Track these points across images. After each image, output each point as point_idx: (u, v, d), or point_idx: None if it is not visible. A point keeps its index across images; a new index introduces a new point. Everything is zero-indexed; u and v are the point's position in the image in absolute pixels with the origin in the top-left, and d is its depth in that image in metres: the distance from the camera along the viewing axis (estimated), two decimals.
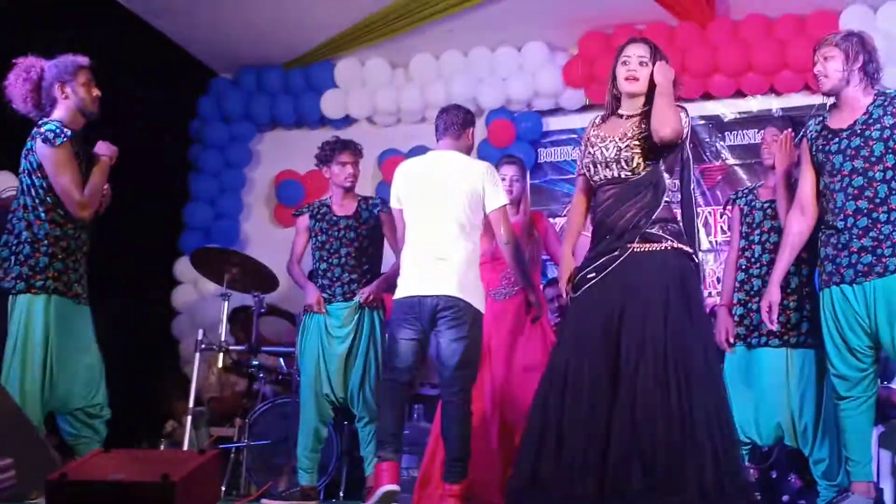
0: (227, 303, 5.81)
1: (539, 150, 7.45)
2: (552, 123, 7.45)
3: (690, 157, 3.86)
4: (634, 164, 3.71)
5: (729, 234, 5.05)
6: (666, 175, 3.75)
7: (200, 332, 5.71)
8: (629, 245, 3.66)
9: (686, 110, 3.77)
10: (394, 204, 4.68)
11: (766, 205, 4.59)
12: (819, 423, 4.32)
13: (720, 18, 6.83)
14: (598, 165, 3.78)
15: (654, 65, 3.75)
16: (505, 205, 4.54)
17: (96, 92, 4.38)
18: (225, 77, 8.07)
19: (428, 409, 6.17)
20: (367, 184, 7.17)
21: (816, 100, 6.69)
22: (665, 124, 3.61)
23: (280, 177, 7.87)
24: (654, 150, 3.69)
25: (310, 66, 7.75)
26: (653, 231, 3.65)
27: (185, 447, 5.47)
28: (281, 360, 6.28)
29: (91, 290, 4.44)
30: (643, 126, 3.72)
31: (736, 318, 4.59)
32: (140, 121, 6.68)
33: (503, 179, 5.15)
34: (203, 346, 5.62)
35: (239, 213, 7.99)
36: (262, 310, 5.95)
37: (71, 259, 4.29)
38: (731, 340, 4.57)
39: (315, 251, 5.32)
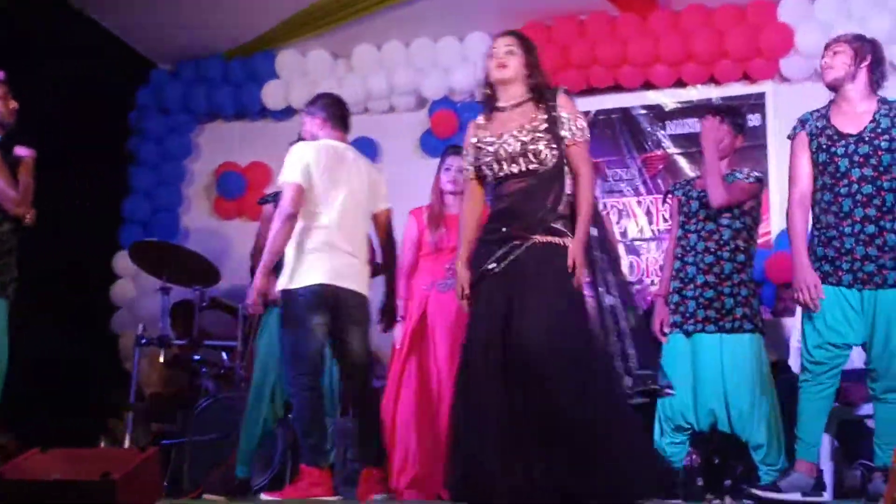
0: (167, 297, 5.73)
1: None
2: None
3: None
4: (542, 156, 3.70)
5: (669, 223, 5.09)
6: (566, 168, 3.76)
7: (140, 326, 5.63)
8: (532, 237, 3.66)
9: (581, 116, 3.81)
10: (296, 178, 4.43)
11: (701, 194, 4.65)
12: (754, 408, 4.40)
13: (661, 9, 6.88)
14: (503, 162, 3.74)
15: (524, 54, 3.80)
16: None
17: (13, 104, 4.54)
18: (164, 68, 7.96)
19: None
20: None
21: (755, 89, 6.85)
22: None
23: (220, 168, 7.77)
24: (557, 141, 3.71)
25: (250, 56, 7.67)
26: (556, 226, 3.67)
27: (126, 445, 5.40)
28: (223, 354, 6.21)
29: (28, 284, 4.38)
30: (543, 117, 3.75)
31: (672, 306, 4.66)
32: (78, 113, 6.56)
33: (448, 169, 5.14)
34: (143, 340, 5.54)
35: (179, 205, 7.88)
36: (204, 303, 5.88)
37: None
38: (666, 330, 4.66)
39: None
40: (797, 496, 3.95)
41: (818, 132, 4.15)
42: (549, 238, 3.65)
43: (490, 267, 3.67)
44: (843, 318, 4.02)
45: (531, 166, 3.70)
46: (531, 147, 3.69)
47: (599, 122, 7.06)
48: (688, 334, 4.57)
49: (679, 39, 6.77)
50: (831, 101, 4.20)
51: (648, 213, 6.93)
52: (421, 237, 5.17)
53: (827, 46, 4.22)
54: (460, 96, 7.35)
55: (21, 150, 4.56)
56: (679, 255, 4.69)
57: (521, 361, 3.48)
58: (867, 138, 4.05)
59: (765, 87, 6.80)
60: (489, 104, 3.87)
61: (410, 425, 4.96)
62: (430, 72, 7.35)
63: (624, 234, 6.87)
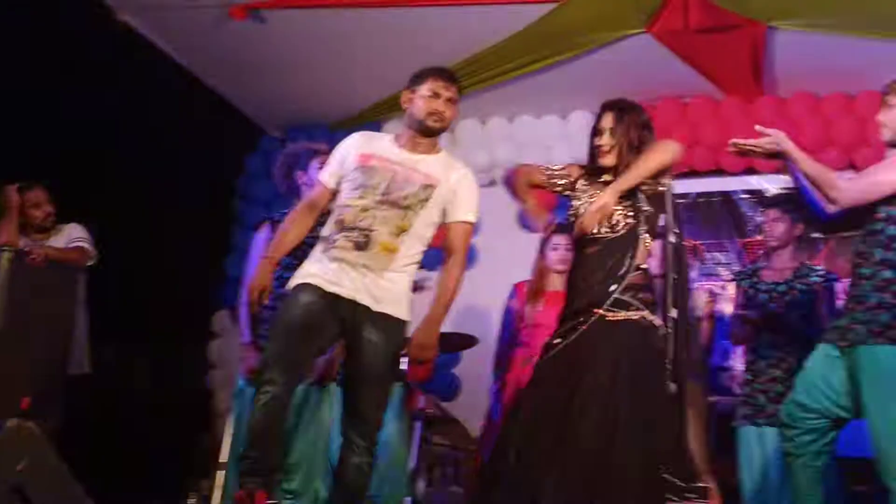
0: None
1: None
2: None
3: (672, 216, 3.66)
4: (614, 221, 3.59)
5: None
6: (646, 236, 3.61)
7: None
8: (596, 311, 3.51)
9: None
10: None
11: (770, 286, 4.61)
12: None
13: (767, 95, 6.84)
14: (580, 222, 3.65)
15: (622, 136, 3.68)
16: None
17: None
18: (274, 136, 8.18)
19: (459, 472, 6.13)
20: None
21: None
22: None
23: None
24: (635, 207, 3.60)
25: (356, 127, 7.81)
26: (624, 298, 3.51)
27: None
28: None
29: (128, 339, 4.52)
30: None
31: (742, 397, 4.67)
32: (189, 175, 6.79)
33: (556, 249, 5.17)
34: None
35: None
36: None
37: None
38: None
39: None
40: None
41: None
42: (618, 313, 3.52)
43: (555, 342, 3.60)
44: None
45: (603, 230, 3.62)
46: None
47: (701, 205, 7.02)
48: (758, 426, 4.55)
49: (784, 126, 6.69)
50: None
51: None
52: (522, 310, 5.20)
53: (883, 96, 3.88)
54: None
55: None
56: (751, 347, 4.64)
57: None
58: None
59: None
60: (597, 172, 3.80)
61: None
62: (532, 148, 7.41)
63: (721, 318, 6.77)
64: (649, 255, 3.64)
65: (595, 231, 3.60)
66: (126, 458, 5.68)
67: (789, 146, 3.68)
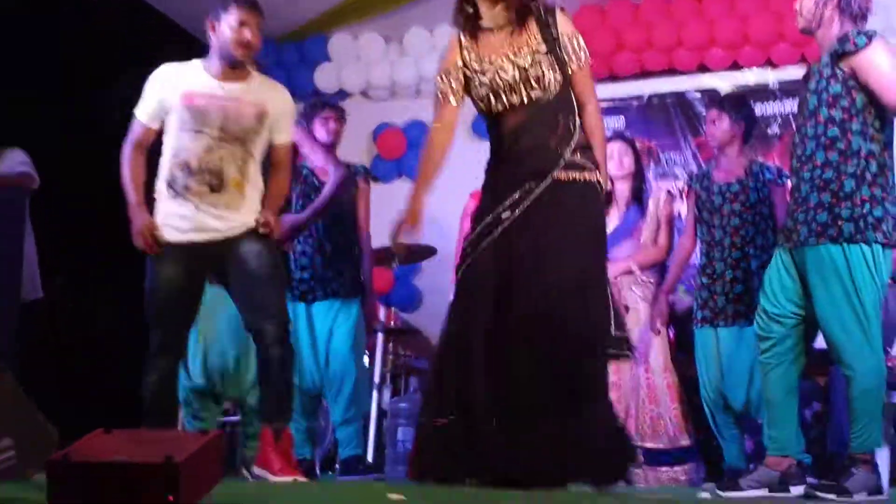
0: None
1: None
2: None
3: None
4: (546, 82, 3.25)
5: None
6: (572, 96, 3.32)
7: None
8: (550, 174, 3.22)
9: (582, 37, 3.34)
10: None
11: (723, 188, 4.62)
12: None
13: None
14: (502, 92, 3.26)
15: None
16: None
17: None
18: None
19: (423, 381, 6.18)
20: (363, 157, 7.13)
21: (776, 75, 6.72)
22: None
23: None
24: (561, 64, 3.28)
25: (303, 40, 7.69)
26: (576, 159, 3.25)
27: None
28: None
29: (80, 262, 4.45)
30: (535, 36, 3.29)
31: (699, 301, 4.69)
32: (131, 98, 6.62)
33: None
34: None
35: None
36: None
37: None
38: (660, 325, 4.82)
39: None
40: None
41: None
42: (572, 174, 3.24)
43: (503, 215, 3.23)
44: None
45: (534, 94, 3.26)
46: (532, 72, 3.25)
47: (654, 106, 7.00)
48: (715, 326, 4.61)
49: (733, 22, 6.67)
50: None
51: None
52: None
53: None
54: None
55: None
56: (704, 251, 4.67)
57: (534, 309, 3.14)
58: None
59: None
60: (470, 22, 3.35)
61: None
62: None
63: (678, 216, 6.80)
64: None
65: (524, 98, 3.25)
66: (87, 384, 5.64)
67: None
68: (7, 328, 4.44)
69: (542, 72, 3.25)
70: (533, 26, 3.30)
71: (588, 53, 3.35)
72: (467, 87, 3.37)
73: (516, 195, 3.23)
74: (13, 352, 4.38)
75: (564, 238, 3.20)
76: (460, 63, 3.36)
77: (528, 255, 3.19)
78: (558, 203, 3.22)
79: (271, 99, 3.89)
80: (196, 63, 3.86)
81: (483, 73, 3.30)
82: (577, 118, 3.31)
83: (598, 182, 3.29)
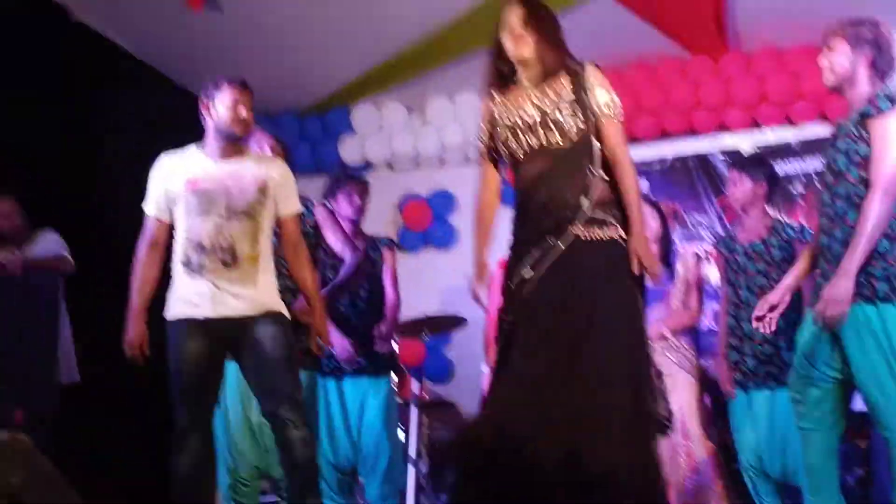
0: None
1: None
2: None
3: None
4: (566, 127, 3.23)
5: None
6: (597, 144, 3.25)
7: None
8: (570, 229, 3.16)
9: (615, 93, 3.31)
10: None
11: (747, 248, 4.61)
12: None
13: (733, 51, 6.84)
14: (520, 132, 3.29)
15: (536, 28, 3.33)
16: None
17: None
18: None
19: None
20: (389, 229, 7.18)
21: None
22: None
23: None
24: (584, 111, 3.24)
25: (326, 112, 7.79)
26: (597, 215, 3.19)
27: None
28: None
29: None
30: (564, 86, 3.29)
31: (730, 364, 4.65)
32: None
33: None
34: None
35: None
36: None
37: None
38: (730, 388, 4.66)
39: None
40: None
41: None
42: (594, 231, 3.18)
43: (525, 275, 3.20)
44: None
45: (553, 139, 3.25)
46: (552, 117, 3.25)
47: (676, 168, 7.02)
48: (747, 390, 4.57)
49: (752, 81, 6.71)
50: None
51: None
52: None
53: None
54: None
55: None
56: (732, 313, 4.65)
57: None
58: None
59: None
60: (505, 80, 3.42)
61: None
62: None
63: (706, 280, 6.79)
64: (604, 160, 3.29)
65: (543, 142, 3.27)
66: (119, 465, 5.63)
67: None
68: (43, 411, 4.46)
69: (563, 117, 3.24)
70: (564, 77, 3.32)
71: (621, 108, 3.32)
72: (492, 133, 3.43)
73: (537, 253, 3.20)
74: (49, 434, 4.39)
75: (593, 311, 3.12)
76: (489, 117, 3.43)
77: (553, 328, 3.14)
78: (581, 268, 3.16)
79: (270, 170, 3.98)
80: (193, 149, 3.96)
81: (507, 118, 3.35)
82: (601, 171, 3.26)
83: (621, 238, 3.22)
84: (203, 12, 6.17)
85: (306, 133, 7.84)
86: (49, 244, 5.08)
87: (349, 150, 7.68)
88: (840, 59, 3.65)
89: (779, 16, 6.35)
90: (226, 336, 3.83)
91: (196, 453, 3.79)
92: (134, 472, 5.62)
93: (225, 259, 3.81)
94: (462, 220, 7.55)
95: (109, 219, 5.72)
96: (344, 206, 5.20)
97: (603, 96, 3.27)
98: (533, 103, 3.29)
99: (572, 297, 3.14)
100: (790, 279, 3.90)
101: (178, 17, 6.25)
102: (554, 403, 3.04)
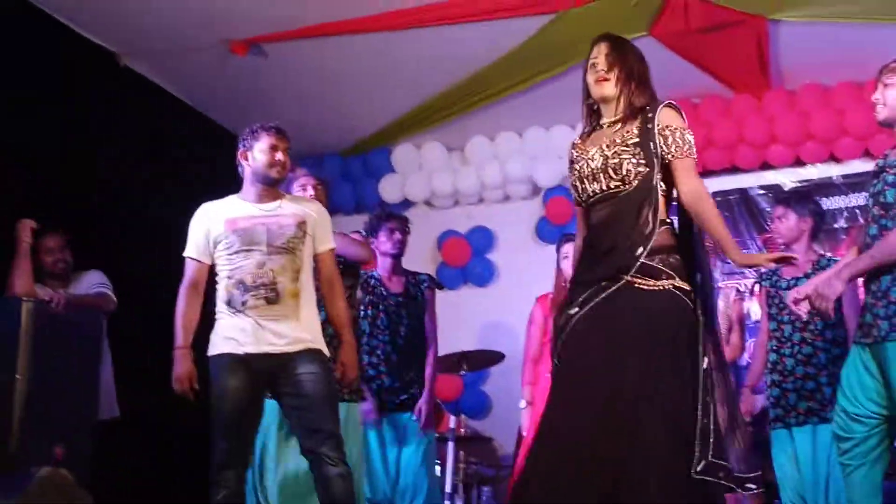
0: None
1: None
2: None
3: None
4: (624, 172, 3.15)
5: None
6: (662, 186, 3.16)
7: None
8: (624, 277, 3.08)
9: (689, 131, 3.21)
10: None
11: (791, 283, 4.57)
12: None
13: (776, 89, 6.81)
14: (585, 180, 3.24)
15: (620, 67, 3.27)
16: None
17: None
18: None
19: (496, 490, 6.11)
20: (429, 265, 7.21)
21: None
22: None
23: None
24: (647, 155, 3.15)
25: (367, 152, 7.86)
26: (652, 263, 3.09)
27: None
28: None
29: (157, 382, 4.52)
30: (631, 130, 3.22)
31: (771, 399, 4.59)
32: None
33: (566, 258, 5.16)
34: None
35: None
36: None
37: None
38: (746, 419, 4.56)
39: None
40: None
41: None
42: (647, 282, 3.08)
43: (571, 311, 3.15)
44: None
45: (612, 185, 3.18)
46: (612, 161, 3.18)
47: (717, 203, 6.92)
48: (789, 427, 4.50)
49: (796, 119, 6.68)
50: None
51: None
52: (546, 323, 5.19)
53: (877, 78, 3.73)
54: None
55: None
56: (774, 348, 4.59)
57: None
58: None
59: None
60: (592, 119, 3.39)
61: None
62: (544, 160, 7.40)
63: (747, 315, 6.73)
64: (667, 204, 3.19)
65: (603, 187, 3.21)
66: (158, 500, 5.67)
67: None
68: (82, 448, 4.50)
69: (622, 161, 3.17)
70: (637, 120, 3.24)
71: (692, 146, 3.20)
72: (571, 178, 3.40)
73: (587, 293, 3.15)
74: (89, 471, 4.43)
75: (627, 364, 3.02)
76: (572, 165, 3.38)
77: (590, 370, 3.07)
78: (623, 314, 3.08)
79: (307, 208, 4.09)
80: (232, 197, 4.07)
81: (577, 163, 3.31)
82: (662, 214, 3.17)
83: (674, 288, 3.09)
84: (248, 57, 6.27)
85: (348, 172, 7.91)
86: (92, 282, 5.15)
87: (389, 189, 7.74)
88: (893, 95, 3.64)
89: (821, 54, 6.33)
90: (266, 372, 3.85)
91: (233, 487, 3.80)
92: None
93: (268, 296, 3.85)
94: (501, 257, 7.56)
95: (153, 260, 5.81)
96: (385, 244, 5.25)
97: (671, 137, 3.17)
98: (600, 147, 3.24)
99: (610, 344, 3.07)
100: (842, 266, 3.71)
101: (223, 63, 6.38)
102: (591, 458, 2.98)
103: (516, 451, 5.18)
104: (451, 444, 5.39)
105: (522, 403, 5.18)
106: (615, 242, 3.13)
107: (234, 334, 3.86)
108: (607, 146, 3.23)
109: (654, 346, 3.03)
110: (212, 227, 3.98)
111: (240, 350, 3.84)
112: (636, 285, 3.08)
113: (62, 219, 5.20)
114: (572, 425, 3.02)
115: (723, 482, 3.00)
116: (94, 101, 5.80)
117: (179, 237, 4.11)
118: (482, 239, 7.57)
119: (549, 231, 7.24)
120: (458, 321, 6.51)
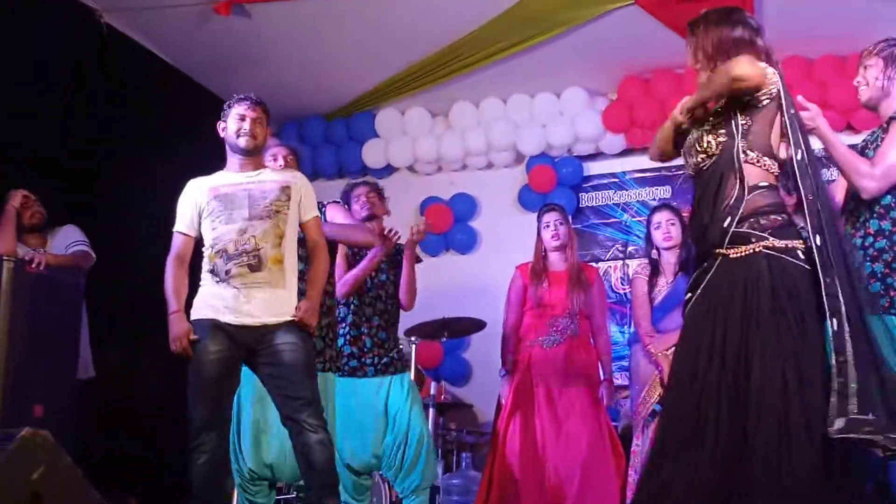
0: None
1: (580, 194, 7.44)
2: (593, 168, 7.46)
3: (794, 116, 3.13)
4: (705, 144, 3.12)
5: None
6: (749, 153, 3.06)
7: None
8: (717, 251, 3.07)
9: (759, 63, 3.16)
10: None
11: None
12: None
13: None
14: (686, 154, 3.24)
15: (696, 49, 3.28)
16: None
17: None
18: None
19: (476, 457, 6.15)
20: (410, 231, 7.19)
21: (860, 139, 6.68)
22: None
23: None
24: (729, 124, 3.10)
25: (351, 116, 7.83)
26: (742, 230, 3.03)
27: None
28: None
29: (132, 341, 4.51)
30: (720, 101, 3.18)
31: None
32: (184, 173, 6.75)
33: (547, 226, 5.17)
34: None
35: None
36: None
37: None
38: None
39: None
40: None
41: None
42: (740, 249, 3.02)
43: (687, 297, 3.16)
44: None
45: (699, 159, 3.16)
46: (696, 136, 3.18)
47: None
48: None
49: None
50: None
51: None
52: (525, 292, 5.20)
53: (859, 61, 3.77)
54: (557, 151, 7.39)
55: None
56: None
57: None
58: None
59: None
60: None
61: (514, 480, 4.94)
62: (528, 127, 7.40)
63: None
64: (765, 169, 3.09)
65: (696, 160, 3.17)
66: (139, 462, 5.68)
67: (821, 126, 3.55)
68: (64, 408, 4.50)
69: (702, 134, 3.16)
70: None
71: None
72: None
73: (696, 274, 3.17)
74: (70, 431, 4.42)
75: (748, 330, 2.96)
76: None
77: (700, 356, 3.01)
78: (725, 280, 3.03)
79: (291, 177, 4.12)
80: (219, 172, 4.11)
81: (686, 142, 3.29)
82: (757, 181, 3.06)
83: (770, 249, 3.00)
84: (231, 18, 6.21)
85: (331, 136, 7.88)
86: (69, 239, 5.12)
87: (373, 154, 7.72)
88: (875, 76, 3.68)
89: (804, 27, 6.32)
90: (244, 343, 3.87)
91: (213, 454, 3.80)
92: (150, 464, 5.66)
93: (251, 262, 3.87)
94: (483, 224, 7.57)
95: (129, 214, 5.79)
96: (359, 211, 5.22)
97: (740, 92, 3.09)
98: (695, 125, 3.22)
99: (711, 325, 3.02)
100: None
101: (206, 24, 6.34)
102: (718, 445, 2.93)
103: (496, 418, 5.20)
104: (431, 411, 5.42)
105: (502, 371, 5.19)
106: (708, 217, 3.10)
107: (214, 301, 3.88)
108: (700, 121, 3.21)
109: (748, 314, 2.97)
110: (199, 198, 4.02)
111: (219, 317, 3.86)
112: (730, 256, 3.05)
113: (41, 177, 5.18)
114: (689, 415, 2.98)
115: (865, 437, 2.83)
116: (74, 59, 5.73)
117: (161, 198, 4.11)
118: (465, 206, 7.58)
119: (531, 199, 7.25)
120: (440, 288, 6.52)
